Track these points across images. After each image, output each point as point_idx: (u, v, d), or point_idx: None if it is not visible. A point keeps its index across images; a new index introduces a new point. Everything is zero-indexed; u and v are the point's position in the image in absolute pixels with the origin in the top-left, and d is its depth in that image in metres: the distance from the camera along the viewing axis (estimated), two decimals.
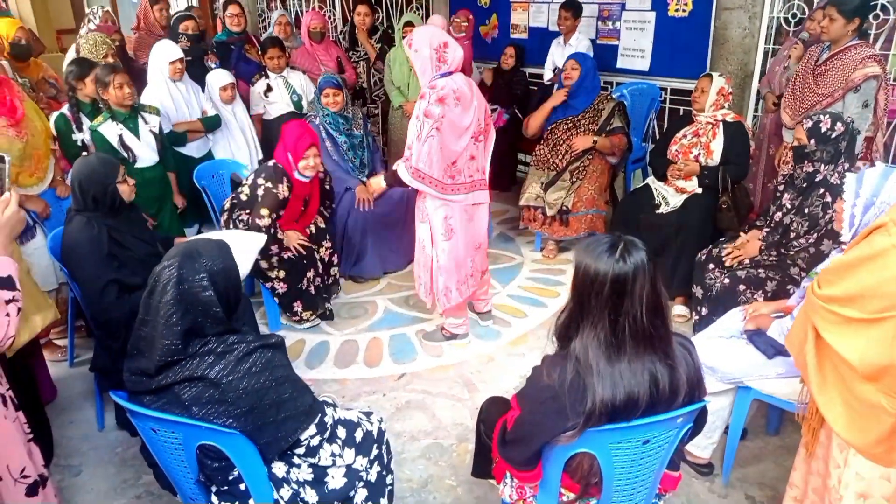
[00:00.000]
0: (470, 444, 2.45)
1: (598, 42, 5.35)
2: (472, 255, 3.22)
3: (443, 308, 3.28)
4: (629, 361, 1.47)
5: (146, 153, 3.54)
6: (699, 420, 1.68)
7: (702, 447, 2.44)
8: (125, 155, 3.43)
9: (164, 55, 3.92)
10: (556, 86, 4.50)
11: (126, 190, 2.65)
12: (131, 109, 3.51)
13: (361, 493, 1.92)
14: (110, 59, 3.96)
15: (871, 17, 3.74)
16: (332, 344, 3.49)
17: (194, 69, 4.27)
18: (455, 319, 3.41)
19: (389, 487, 2.06)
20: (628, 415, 1.49)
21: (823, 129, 2.64)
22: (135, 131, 3.50)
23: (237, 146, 4.19)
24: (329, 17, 6.35)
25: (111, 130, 3.42)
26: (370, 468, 1.97)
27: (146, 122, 3.56)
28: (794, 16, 4.21)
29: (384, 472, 2.03)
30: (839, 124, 2.63)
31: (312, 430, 1.77)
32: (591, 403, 1.46)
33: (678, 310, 3.58)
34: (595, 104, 4.21)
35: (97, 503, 2.48)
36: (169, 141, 3.81)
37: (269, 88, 4.47)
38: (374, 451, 2.00)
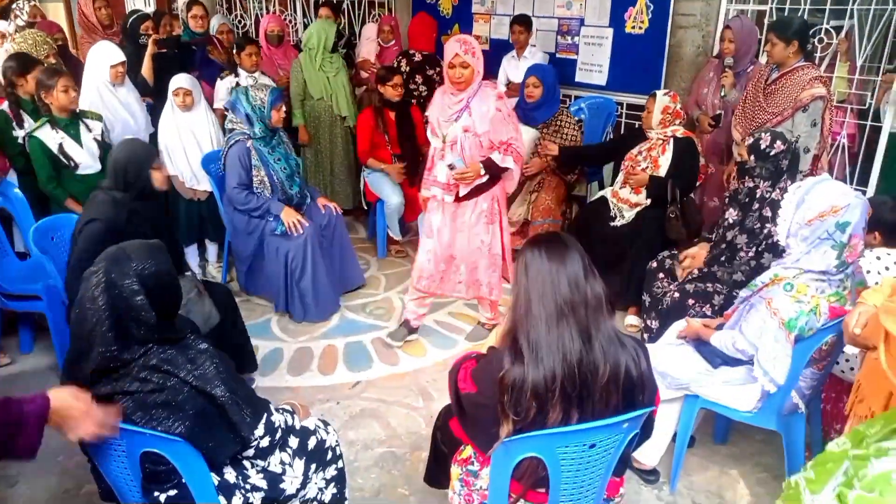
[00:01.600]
0: (424, 453, 2.44)
1: (558, 56, 5.43)
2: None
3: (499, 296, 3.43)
4: (563, 341, 1.55)
5: (88, 161, 3.39)
6: (646, 428, 1.71)
7: (648, 454, 2.48)
8: (66, 163, 3.30)
9: (104, 58, 3.70)
10: (513, 101, 4.48)
11: (159, 177, 2.73)
12: (72, 115, 3.37)
13: None
14: (52, 60, 3.82)
15: (815, 40, 3.89)
16: (286, 351, 3.45)
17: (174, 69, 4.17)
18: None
19: None
20: (548, 396, 1.54)
21: (763, 146, 2.73)
22: (76, 138, 3.36)
23: (192, 156, 4.02)
24: (290, 22, 6.30)
25: (50, 137, 3.27)
26: (325, 488, 1.96)
27: (89, 130, 3.43)
28: None
29: (339, 496, 2.02)
30: (779, 142, 2.71)
31: (261, 429, 1.75)
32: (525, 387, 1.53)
33: (630, 320, 3.65)
34: (555, 117, 4.23)
35: None
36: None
37: (237, 86, 4.39)
38: (332, 472, 1.98)
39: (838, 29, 3.98)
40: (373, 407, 3.02)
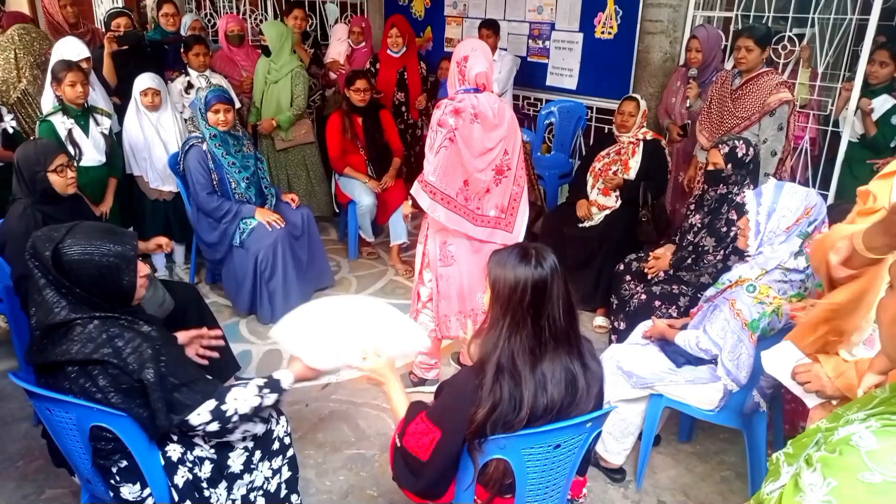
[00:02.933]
0: None
1: (529, 59, 5.49)
2: (481, 290, 2.81)
3: (436, 335, 3.00)
4: (550, 363, 1.52)
5: (92, 153, 3.49)
6: None
7: (614, 453, 2.51)
8: (71, 150, 3.34)
9: (68, 54, 3.61)
10: None
11: (59, 182, 2.63)
12: (83, 109, 3.47)
13: (260, 501, 1.95)
14: (48, 57, 3.75)
15: (780, 47, 3.98)
16: (255, 353, 3.42)
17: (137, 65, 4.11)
18: (427, 360, 3.11)
19: None
20: (546, 417, 1.53)
21: (740, 154, 2.79)
22: (85, 129, 3.46)
23: (158, 156, 3.92)
24: (261, 21, 6.25)
25: (61, 123, 3.38)
26: (272, 478, 1.98)
27: (97, 124, 3.53)
28: None
29: (288, 492, 2.04)
30: (751, 149, 2.79)
31: (206, 416, 1.74)
32: (523, 412, 1.49)
33: (599, 321, 3.68)
34: None
35: None
36: None
37: (189, 86, 4.35)
38: (279, 462, 2.00)
39: (801, 36, 4.08)
40: (342, 409, 3.01)
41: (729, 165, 2.81)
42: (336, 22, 6.31)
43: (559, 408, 1.53)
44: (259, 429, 1.92)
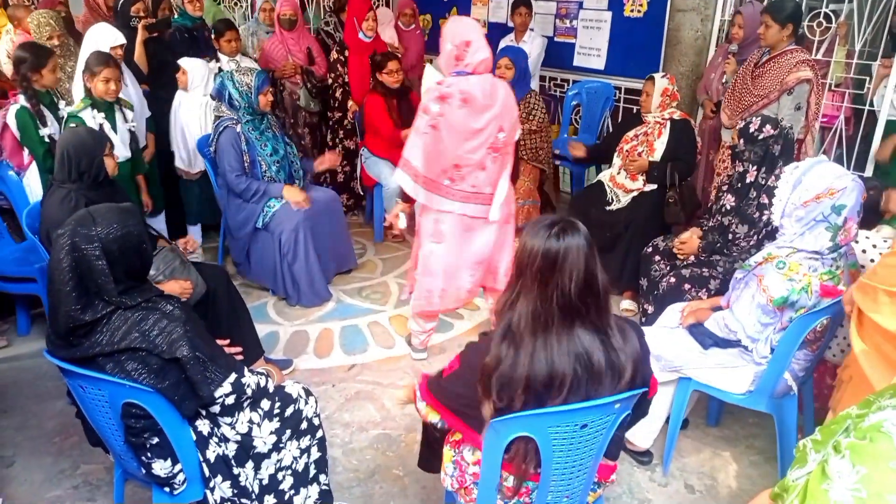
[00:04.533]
0: (418, 435, 2.45)
1: (556, 39, 5.41)
2: (471, 270, 2.98)
3: (418, 309, 3.10)
4: (556, 336, 1.51)
5: (120, 148, 3.43)
6: (641, 408, 1.71)
7: (642, 436, 2.50)
8: None
9: (103, 40, 3.62)
10: None
11: (111, 164, 2.72)
12: (109, 101, 3.46)
13: (288, 480, 1.99)
14: (55, 42, 3.77)
15: (815, 24, 3.87)
16: (282, 334, 3.46)
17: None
18: (417, 326, 3.20)
19: (324, 488, 2.10)
20: (551, 392, 1.52)
21: (751, 130, 2.73)
22: (113, 124, 3.42)
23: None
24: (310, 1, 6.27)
25: (91, 119, 3.30)
26: (300, 458, 2.01)
27: (125, 118, 3.50)
28: None
29: (317, 472, 2.07)
30: (769, 126, 2.71)
31: (227, 388, 1.81)
32: (518, 371, 1.51)
33: (625, 304, 3.65)
34: (525, 99, 4.17)
35: (31, 494, 2.41)
36: None
37: (220, 71, 4.37)
38: (307, 442, 2.03)
39: (837, 13, 3.96)
40: (368, 389, 3.03)
41: (741, 141, 2.77)
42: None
43: (572, 384, 1.51)
44: (266, 428, 1.95)
